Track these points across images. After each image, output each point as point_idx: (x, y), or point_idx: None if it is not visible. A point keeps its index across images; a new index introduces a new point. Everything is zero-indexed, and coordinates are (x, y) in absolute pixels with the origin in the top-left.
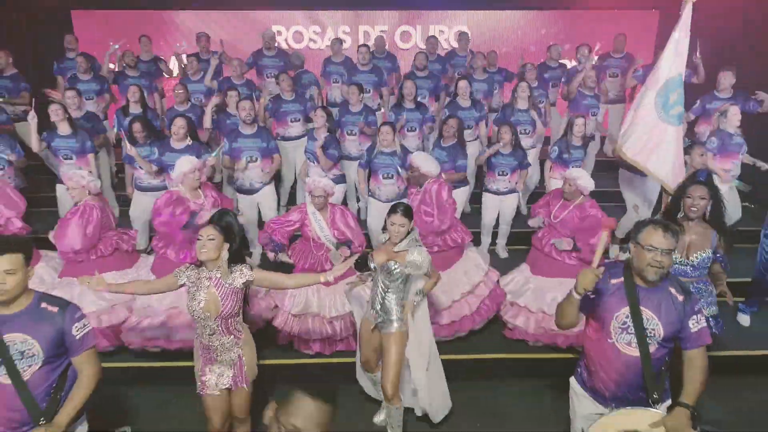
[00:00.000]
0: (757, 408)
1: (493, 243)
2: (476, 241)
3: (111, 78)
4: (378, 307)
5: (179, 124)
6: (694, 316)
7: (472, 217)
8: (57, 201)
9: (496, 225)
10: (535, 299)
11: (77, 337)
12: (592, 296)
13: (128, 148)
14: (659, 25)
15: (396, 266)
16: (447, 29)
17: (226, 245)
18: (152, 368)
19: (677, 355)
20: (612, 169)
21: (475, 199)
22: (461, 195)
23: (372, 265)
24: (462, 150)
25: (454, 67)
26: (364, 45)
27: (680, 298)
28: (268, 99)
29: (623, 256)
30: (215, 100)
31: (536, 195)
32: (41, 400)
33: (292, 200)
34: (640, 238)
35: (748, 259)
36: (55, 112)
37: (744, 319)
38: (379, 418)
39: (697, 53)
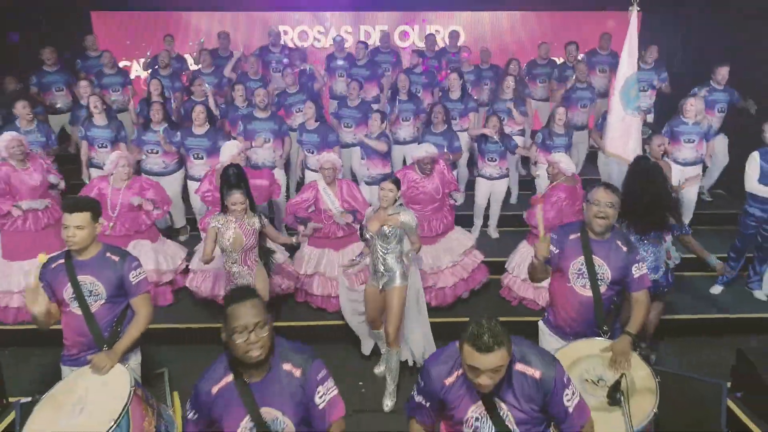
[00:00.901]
0: (714, 363)
1: (485, 225)
2: (469, 223)
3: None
4: (381, 269)
5: (199, 110)
6: (636, 264)
7: (464, 202)
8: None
9: (489, 208)
10: None
11: (134, 282)
12: (556, 251)
13: (159, 136)
14: (641, 24)
15: (390, 229)
16: (442, 29)
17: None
18: (178, 329)
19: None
20: None
21: (469, 186)
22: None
23: (368, 235)
24: (455, 133)
25: (447, 62)
26: (362, 42)
27: (624, 249)
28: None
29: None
30: (210, 91)
31: (524, 182)
32: (104, 330)
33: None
34: (589, 197)
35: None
36: (93, 104)
37: (716, 288)
38: (379, 369)
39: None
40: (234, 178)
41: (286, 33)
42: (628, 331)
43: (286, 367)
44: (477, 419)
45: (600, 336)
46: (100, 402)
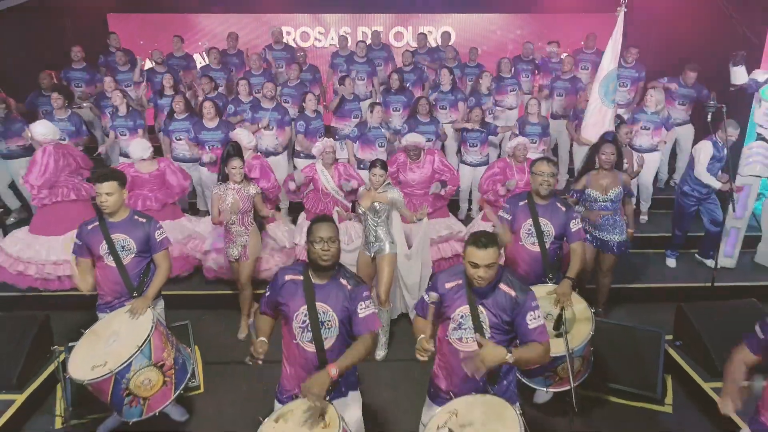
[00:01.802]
0: (662, 321)
1: (470, 208)
2: (457, 207)
3: (145, 76)
4: (372, 239)
5: (209, 106)
6: (574, 221)
7: None
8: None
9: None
10: None
11: (158, 240)
12: (509, 217)
13: (187, 141)
14: (625, 25)
15: (380, 205)
16: (435, 29)
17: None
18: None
19: None
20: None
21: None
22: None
23: (361, 210)
24: (439, 121)
25: (440, 60)
26: (362, 41)
27: (563, 209)
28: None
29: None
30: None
31: None
32: (133, 279)
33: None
34: (534, 169)
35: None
36: (117, 97)
37: (671, 262)
38: None
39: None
40: (232, 150)
41: (288, 34)
42: (568, 276)
43: (342, 281)
44: (462, 317)
45: (547, 282)
46: (130, 334)
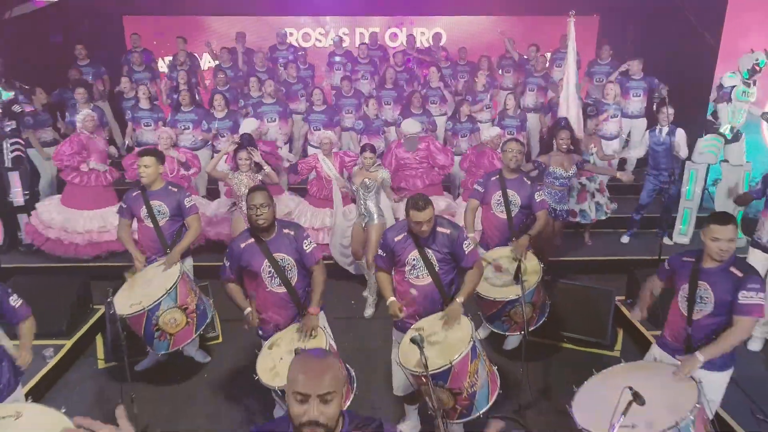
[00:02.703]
0: (613, 287)
1: (458, 194)
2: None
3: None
4: (362, 211)
5: (219, 99)
6: (538, 192)
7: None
8: None
9: None
10: None
11: (187, 205)
12: (482, 190)
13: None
14: (599, 27)
15: (369, 182)
16: (427, 31)
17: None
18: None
19: None
20: None
21: None
22: None
23: (354, 187)
24: (429, 112)
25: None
26: (363, 43)
27: (528, 182)
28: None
29: None
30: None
31: None
32: (168, 238)
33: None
34: (504, 147)
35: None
36: (142, 91)
37: (625, 239)
38: (366, 293)
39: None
40: (245, 142)
41: (291, 35)
42: (529, 233)
43: (285, 230)
44: (414, 260)
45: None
46: (161, 281)
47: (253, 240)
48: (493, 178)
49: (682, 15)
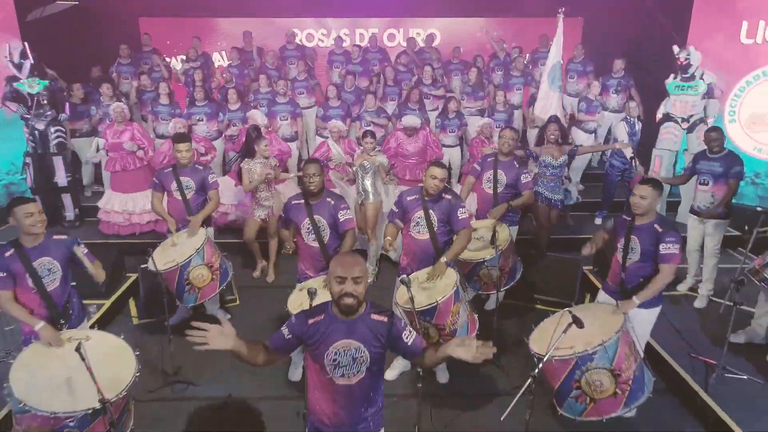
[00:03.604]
0: (585, 260)
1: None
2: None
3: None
4: (360, 190)
5: (233, 93)
6: (524, 174)
7: None
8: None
9: None
10: None
11: (210, 181)
12: (479, 169)
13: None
14: (583, 28)
15: (368, 164)
16: (422, 31)
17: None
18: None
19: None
20: None
21: None
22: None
23: (353, 168)
24: (425, 108)
25: (424, 59)
26: (357, 45)
27: (518, 166)
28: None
29: None
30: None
31: None
32: (194, 210)
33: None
34: (501, 134)
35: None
36: (162, 88)
37: (598, 220)
38: (368, 265)
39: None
40: (255, 133)
41: (296, 35)
42: (509, 203)
43: (328, 199)
44: (419, 218)
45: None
46: (190, 243)
47: (303, 201)
48: (489, 159)
49: (654, 16)
